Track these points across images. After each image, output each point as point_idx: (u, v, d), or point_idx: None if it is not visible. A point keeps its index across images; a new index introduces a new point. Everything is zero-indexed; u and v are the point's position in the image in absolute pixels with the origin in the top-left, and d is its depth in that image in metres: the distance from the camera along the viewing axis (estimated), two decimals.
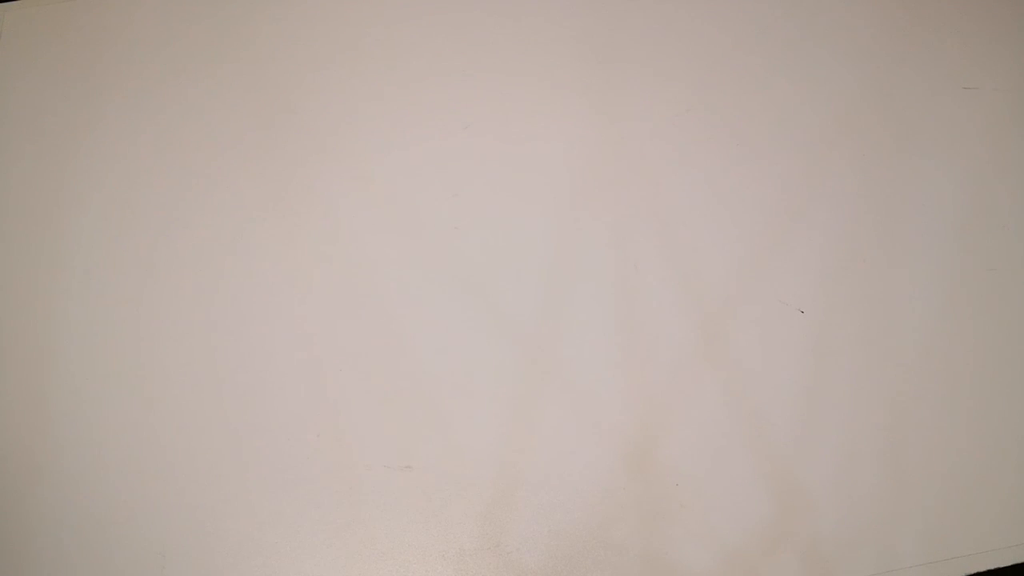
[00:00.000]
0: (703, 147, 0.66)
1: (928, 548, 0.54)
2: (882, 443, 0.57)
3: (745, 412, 0.57)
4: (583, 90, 0.67)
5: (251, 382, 0.56)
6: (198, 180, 0.62)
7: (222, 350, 0.57)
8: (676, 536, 0.53)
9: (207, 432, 0.55)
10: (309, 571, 0.51)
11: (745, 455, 0.56)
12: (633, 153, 0.65)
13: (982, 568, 0.54)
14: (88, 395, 0.55)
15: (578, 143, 0.65)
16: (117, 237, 0.60)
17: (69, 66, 0.65)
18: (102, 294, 0.58)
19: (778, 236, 0.63)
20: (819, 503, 0.55)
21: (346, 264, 0.60)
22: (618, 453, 0.55)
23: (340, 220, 0.61)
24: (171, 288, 0.58)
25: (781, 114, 0.68)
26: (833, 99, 0.69)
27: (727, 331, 0.59)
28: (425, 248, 0.60)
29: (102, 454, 0.54)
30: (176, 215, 0.61)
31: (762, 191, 0.65)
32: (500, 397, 0.56)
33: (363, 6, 0.69)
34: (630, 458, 0.55)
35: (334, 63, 0.66)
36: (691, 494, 0.54)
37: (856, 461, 0.56)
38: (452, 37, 0.68)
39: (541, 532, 0.53)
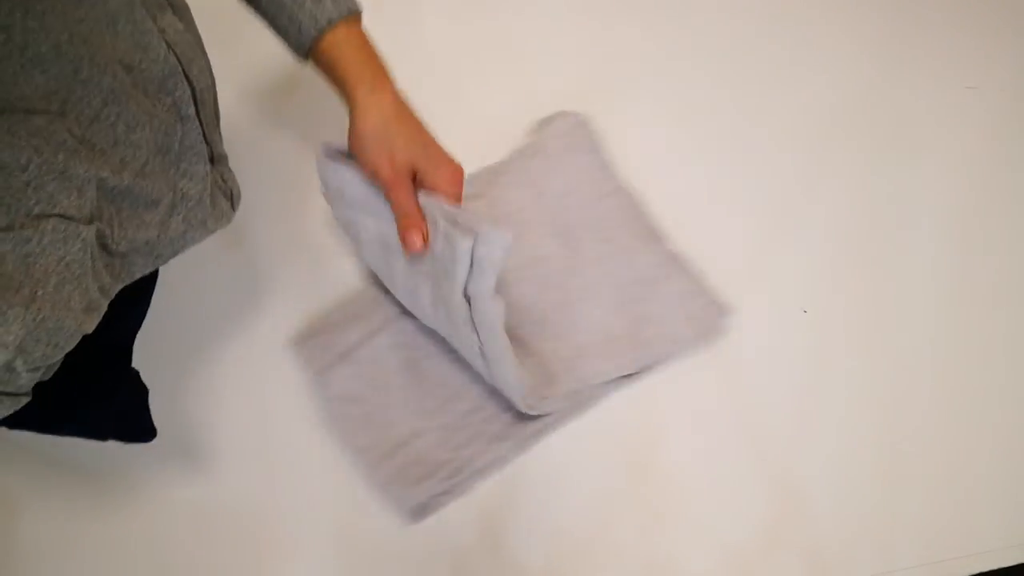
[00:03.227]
0: (705, 147, 0.66)
1: (928, 548, 0.54)
2: (882, 444, 0.57)
3: (746, 412, 0.57)
4: None
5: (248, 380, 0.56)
6: None
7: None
8: (676, 536, 0.53)
9: None
10: (309, 570, 0.51)
11: (746, 456, 0.55)
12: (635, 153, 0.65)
13: (982, 568, 0.54)
14: None
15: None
16: None
17: None
18: None
19: (779, 236, 0.63)
20: (819, 503, 0.54)
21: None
22: (618, 453, 0.55)
23: None
24: None
25: (782, 114, 0.68)
26: (835, 99, 0.69)
27: (729, 330, 0.59)
28: None
29: None
30: None
31: (764, 191, 0.65)
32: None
33: None
34: (630, 458, 0.55)
35: None
36: (691, 494, 0.54)
37: (856, 462, 0.56)
38: None
39: (541, 532, 0.53)
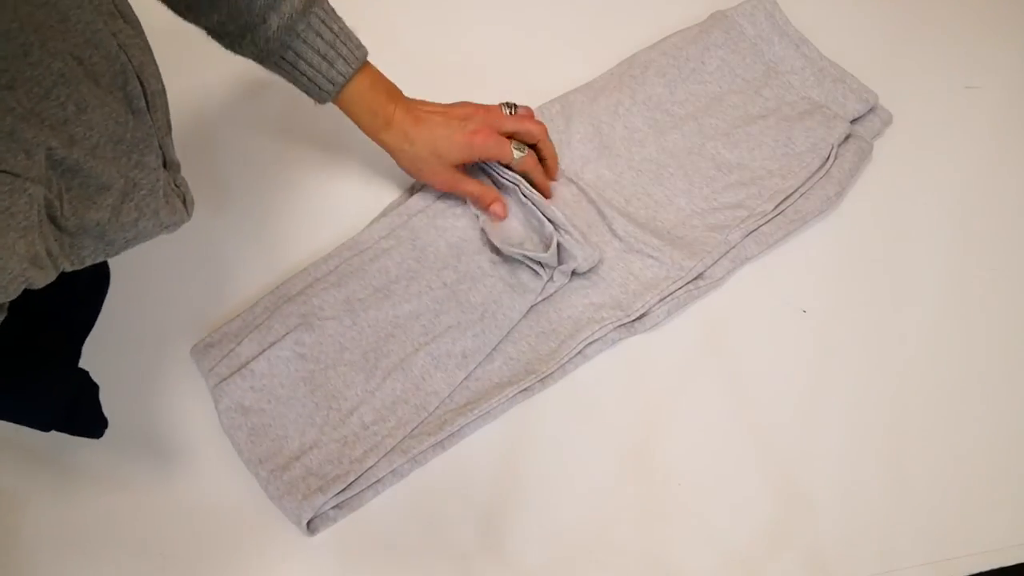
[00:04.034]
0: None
1: (928, 548, 0.54)
2: (883, 443, 0.57)
3: (747, 412, 0.57)
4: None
5: None
6: None
7: None
8: (676, 536, 0.53)
9: None
10: (309, 570, 0.51)
11: (746, 455, 0.55)
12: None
13: (982, 568, 0.53)
14: None
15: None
16: None
17: None
18: None
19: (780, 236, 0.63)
20: (820, 503, 0.54)
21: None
22: (619, 453, 0.55)
23: None
24: None
25: None
26: None
27: (729, 330, 0.59)
28: None
29: None
30: None
31: None
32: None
33: None
34: (630, 458, 0.55)
35: None
36: (692, 494, 0.54)
37: (857, 461, 0.56)
38: None
39: (541, 532, 0.53)
